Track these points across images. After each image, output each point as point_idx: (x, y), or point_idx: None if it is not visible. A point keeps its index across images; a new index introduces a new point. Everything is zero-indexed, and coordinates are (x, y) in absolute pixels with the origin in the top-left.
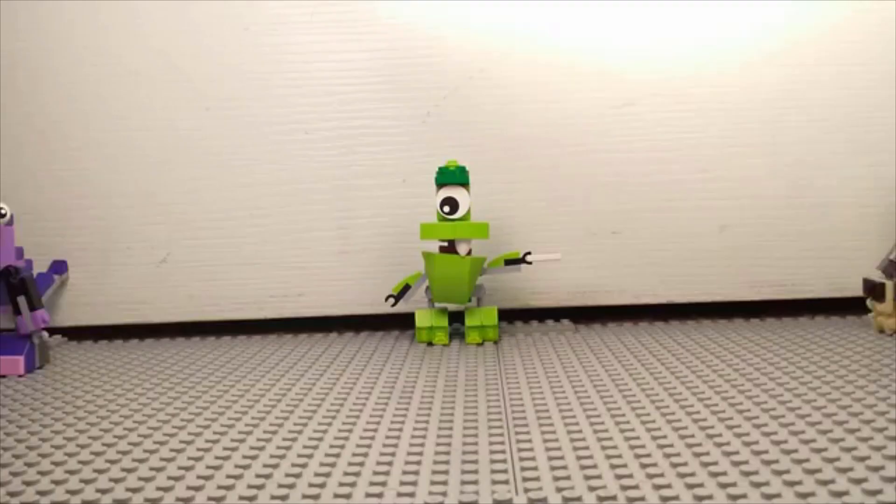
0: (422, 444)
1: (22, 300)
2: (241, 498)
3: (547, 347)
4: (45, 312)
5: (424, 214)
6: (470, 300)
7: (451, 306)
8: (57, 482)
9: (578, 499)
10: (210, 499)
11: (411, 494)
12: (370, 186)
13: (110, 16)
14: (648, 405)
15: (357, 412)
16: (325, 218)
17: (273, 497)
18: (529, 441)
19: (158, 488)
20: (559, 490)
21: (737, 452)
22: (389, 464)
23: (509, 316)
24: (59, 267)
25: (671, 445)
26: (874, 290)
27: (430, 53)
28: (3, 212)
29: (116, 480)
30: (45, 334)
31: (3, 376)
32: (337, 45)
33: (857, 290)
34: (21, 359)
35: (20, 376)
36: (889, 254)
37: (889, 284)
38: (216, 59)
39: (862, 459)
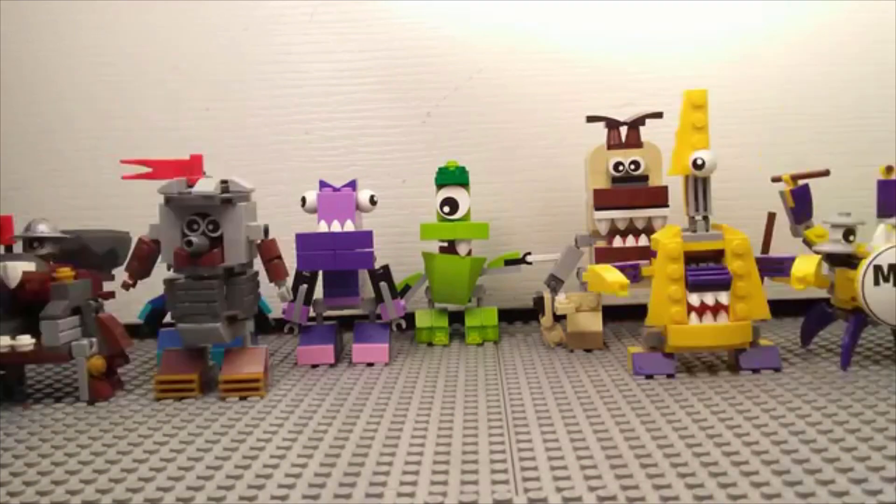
0: (422, 444)
1: (384, 287)
2: (241, 498)
3: (547, 347)
4: (404, 301)
5: (424, 214)
6: (470, 300)
7: (451, 306)
8: (57, 482)
9: (578, 499)
10: (210, 499)
11: (411, 494)
12: (370, 186)
13: (110, 16)
14: (648, 405)
15: (357, 412)
16: None
17: (273, 497)
18: (529, 441)
19: (158, 488)
20: (559, 490)
21: (737, 452)
22: (389, 464)
23: (509, 316)
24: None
25: (671, 445)
26: (538, 303)
27: (430, 53)
28: (375, 199)
29: (116, 481)
30: (403, 323)
31: (371, 364)
32: (337, 45)
33: None
34: (387, 346)
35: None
36: (553, 268)
37: (548, 298)
38: (216, 59)
39: (862, 459)
